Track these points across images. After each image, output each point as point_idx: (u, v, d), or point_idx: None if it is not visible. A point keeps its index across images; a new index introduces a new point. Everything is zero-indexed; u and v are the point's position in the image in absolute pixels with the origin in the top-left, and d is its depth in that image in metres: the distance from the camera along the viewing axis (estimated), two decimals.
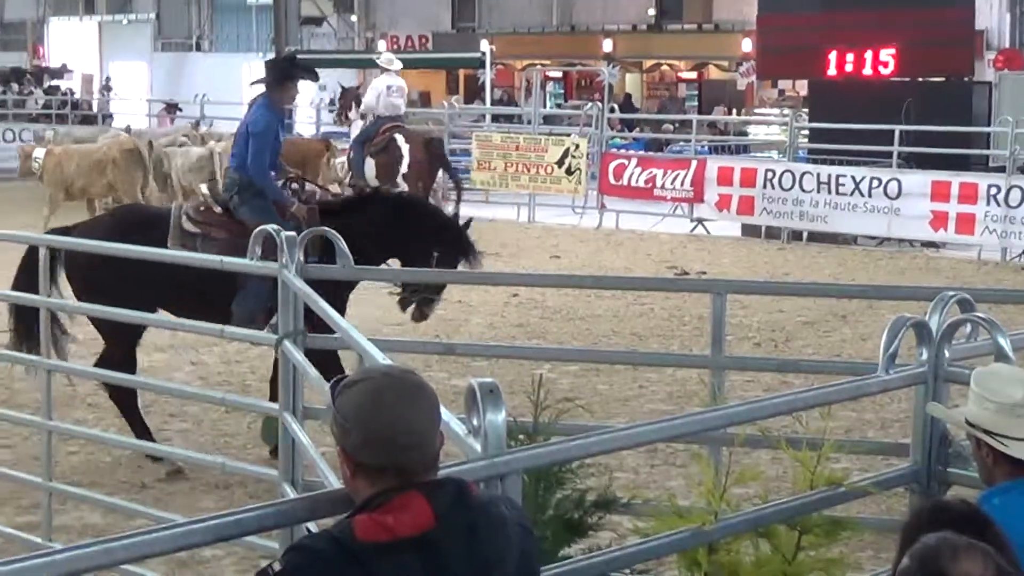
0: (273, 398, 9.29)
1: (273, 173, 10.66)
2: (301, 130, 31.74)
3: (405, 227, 10.21)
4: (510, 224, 24.88)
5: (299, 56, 28.98)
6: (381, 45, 46.67)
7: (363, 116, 23.38)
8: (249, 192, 10.38)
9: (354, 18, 48.91)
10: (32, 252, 9.63)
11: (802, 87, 32.66)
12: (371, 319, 14.82)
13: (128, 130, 29.59)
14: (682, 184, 23.98)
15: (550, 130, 27.23)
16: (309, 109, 34.37)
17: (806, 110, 26.94)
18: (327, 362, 9.60)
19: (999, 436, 4.29)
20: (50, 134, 27.97)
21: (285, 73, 10.76)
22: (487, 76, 34.20)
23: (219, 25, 52.57)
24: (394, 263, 10.26)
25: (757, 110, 39.23)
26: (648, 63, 44.95)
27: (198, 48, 51.73)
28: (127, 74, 49.59)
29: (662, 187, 24.29)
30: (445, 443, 3.40)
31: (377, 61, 24.42)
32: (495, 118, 31.40)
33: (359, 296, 16.03)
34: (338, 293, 9.38)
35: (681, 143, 28.67)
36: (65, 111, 37.58)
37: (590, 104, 28.44)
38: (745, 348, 13.76)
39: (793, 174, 22.70)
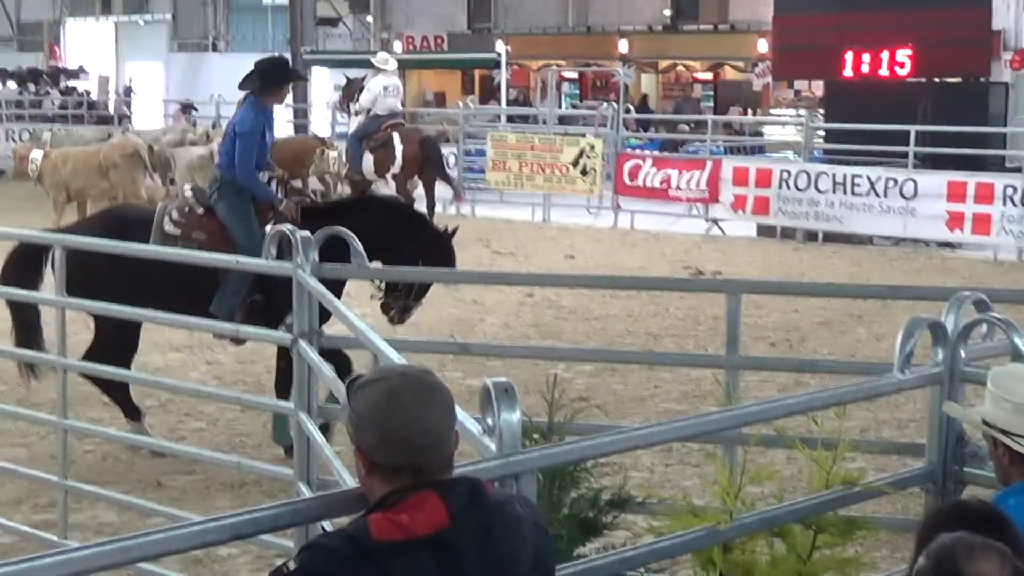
0: (280, 397, 9.37)
1: (261, 173, 10.71)
2: (317, 130, 31.75)
3: (393, 233, 10.21)
4: (525, 224, 24.89)
5: (315, 56, 29.12)
6: (397, 46, 46.70)
7: (357, 114, 23.54)
8: (229, 190, 10.43)
9: (370, 19, 48.92)
10: (19, 250, 9.75)
11: (818, 88, 32.59)
12: (386, 319, 14.84)
13: (126, 130, 29.64)
14: (697, 184, 23.97)
15: (565, 130, 27.20)
16: (325, 109, 34.41)
17: (822, 111, 26.90)
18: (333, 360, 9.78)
19: (1016, 436, 4.29)
20: (47, 136, 27.89)
21: (282, 76, 10.77)
22: (502, 76, 34.22)
23: (235, 26, 52.62)
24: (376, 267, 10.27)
25: (773, 111, 39.18)
26: (663, 64, 44.88)
27: (214, 49, 51.77)
28: (143, 75, 49.66)
29: (677, 187, 24.28)
30: (460, 442, 3.41)
31: (372, 61, 24.54)
32: (510, 118, 31.40)
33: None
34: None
35: (696, 143, 28.65)
36: (81, 112, 37.67)
37: (605, 104, 28.45)
38: (760, 348, 13.74)
39: (809, 174, 22.68)
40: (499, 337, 14.54)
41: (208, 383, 11.97)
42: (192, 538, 3.36)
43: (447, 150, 27.73)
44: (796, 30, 25.36)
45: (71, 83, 45.17)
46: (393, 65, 24.11)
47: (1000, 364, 4.79)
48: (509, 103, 36.10)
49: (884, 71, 24.12)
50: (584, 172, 25.00)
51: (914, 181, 21.46)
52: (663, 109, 40.82)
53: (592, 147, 25.13)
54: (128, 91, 45.80)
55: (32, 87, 42.54)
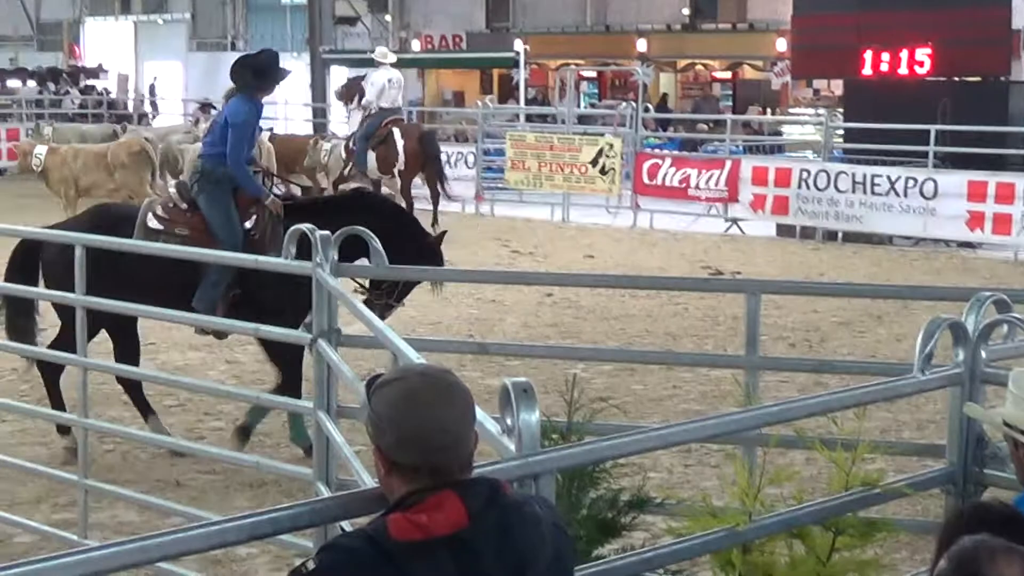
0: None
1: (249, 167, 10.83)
2: (336, 130, 31.81)
3: (378, 232, 10.21)
4: (544, 224, 24.90)
5: (333, 55, 29.20)
6: (415, 45, 46.76)
7: (365, 109, 23.73)
8: (209, 181, 10.46)
9: (388, 18, 48.97)
10: (19, 247, 9.97)
11: (837, 87, 32.53)
12: (405, 319, 14.85)
13: (125, 128, 29.67)
14: (716, 184, 23.96)
15: (584, 130, 27.21)
16: (344, 109, 34.43)
17: (841, 110, 26.84)
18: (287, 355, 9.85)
19: None
20: (48, 131, 27.91)
21: (274, 72, 10.85)
22: (521, 76, 34.21)
23: (253, 25, 52.69)
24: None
25: (792, 110, 39.13)
26: (682, 63, 44.86)
27: (233, 48, 51.81)
28: (162, 74, 49.78)
29: (696, 187, 24.28)
30: (479, 442, 3.40)
31: (372, 56, 24.83)
32: (529, 118, 31.43)
33: None
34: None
35: (715, 143, 28.62)
36: (101, 111, 37.77)
37: (624, 104, 28.44)
38: (780, 348, 13.72)
39: (828, 174, 22.64)
40: (518, 337, 14.54)
41: (227, 382, 11.99)
42: (211, 538, 3.36)
43: (466, 149, 27.81)
44: (815, 29, 25.31)
45: (90, 82, 45.28)
46: (392, 59, 24.58)
47: (1021, 365, 4.77)
48: (528, 102, 36.11)
49: (904, 70, 24.05)
50: (603, 172, 25.00)
51: (934, 181, 21.42)
52: (682, 108, 40.79)
53: (611, 146, 25.12)
54: (152, 90, 45.93)
55: (52, 86, 42.66)
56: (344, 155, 23.99)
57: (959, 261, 20.82)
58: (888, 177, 21.93)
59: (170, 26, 53.68)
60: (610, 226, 24.62)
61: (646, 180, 24.96)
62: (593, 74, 44.86)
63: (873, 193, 22.01)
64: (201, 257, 9.20)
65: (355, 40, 47.39)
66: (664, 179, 24.79)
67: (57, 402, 10.30)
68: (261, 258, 8.30)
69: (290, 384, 9.89)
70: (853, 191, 22.22)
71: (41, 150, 23.30)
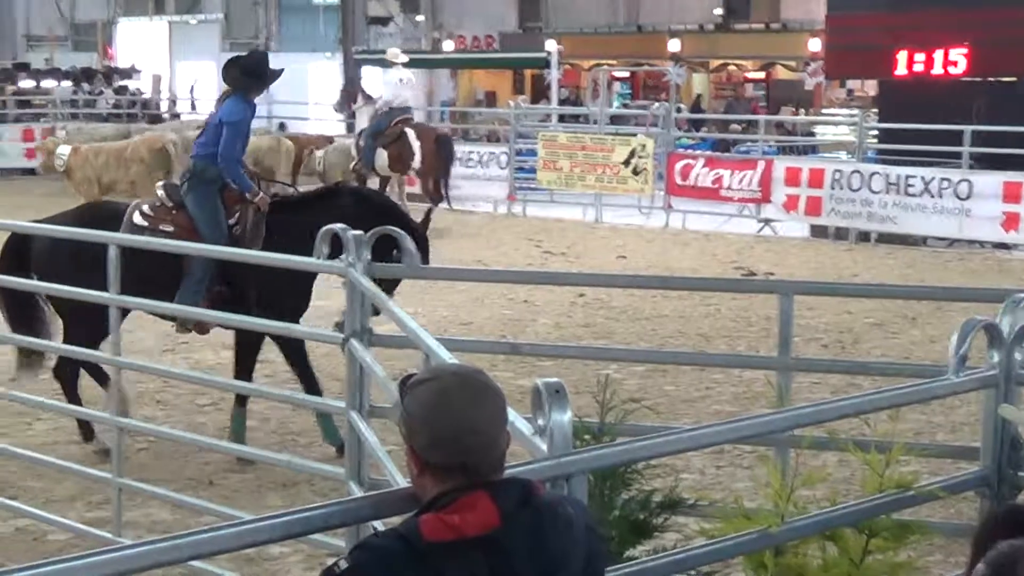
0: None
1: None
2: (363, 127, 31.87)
3: (361, 222, 10.27)
4: (576, 224, 24.88)
5: (366, 56, 29.30)
6: (448, 45, 46.79)
7: (377, 109, 24.03)
8: (200, 180, 10.58)
9: (420, 18, 49.01)
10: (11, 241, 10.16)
11: (871, 87, 32.43)
12: (438, 319, 14.87)
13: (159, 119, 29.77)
14: (749, 184, 23.90)
15: (616, 130, 27.17)
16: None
17: (875, 110, 26.74)
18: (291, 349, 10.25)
19: None
20: (61, 133, 27.97)
21: (266, 73, 11.01)
22: (553, 76, 34.18)
23: (286, 25, 52.78)
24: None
25: (825, 110, 39.01)
26: (715, 63, 44.80)
27: (265, 48, 51.98)
28: (195, 74, 49.89)
29: (729, 187, 24.22)
30: (511, 443, 3.40)
31: (384, 56, 25.20)
32: (561, 118, 31.38)
33: (425, 295, 16.13)
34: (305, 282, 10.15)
35: (748, 143, 28.56)
36: (135, 111, 37.91)
37: (657, 104, 28.40)
38: (812, 350, 13.68)
39: (862, 175, 22.56)
40: (550, 337, 14.54)
41: (259, 381, 12.01)
42: (243, 536, 3.37)
43: (498, 149, 27.83)
44: (849, 29, 25.22)
45: (124, 82, 45.40)
46: (404, 59, 24.93)
47: None
48: (560, 103, 36.05)
49: (938, 70, 23.93)
50: (635, 172, 24.97)
51: (969, 181, 21.31)
52: (714, 109, 40.72)
53: (643, 147, 25.09)
54: (192, 89, 46.03)
55: (86, 86, 42.79)
56: (355, 152, 24.23)
57: (994, 262, 20.72)
58: (922, 178, 21.84)
59: (203, 26, 53.81)
60: (642, 226, 24.59)
61: (679, 180, 24.92)
62: (626, 74, 44.82)
63: (907, 194, 21.93)
64: (252, 258, 9.23)
65: (387, 40, 47.37)
66: (697, 179, 24.74)
67: (75, 401, 10.43)
68: (293, 257, 8.31)
69: (305, 378, 10.35)
70: (887, 192, 22.14)
71: (64, 149, 23.36)
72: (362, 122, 24.23)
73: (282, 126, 29.69)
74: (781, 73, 43.44)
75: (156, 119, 36.03)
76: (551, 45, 36.25)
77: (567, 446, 3.61)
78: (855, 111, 29.72)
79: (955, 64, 23.76)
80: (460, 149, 27.85)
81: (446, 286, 16.68)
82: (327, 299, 10.72)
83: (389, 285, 10.29)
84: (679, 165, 24.96)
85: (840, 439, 5.64)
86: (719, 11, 42.72)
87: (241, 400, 10.44)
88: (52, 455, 9.50)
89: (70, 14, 58.49)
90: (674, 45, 42.53)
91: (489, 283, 16.92)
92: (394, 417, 3.43)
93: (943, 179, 21.61)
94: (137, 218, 10.40)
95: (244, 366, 10.44)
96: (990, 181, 21.19)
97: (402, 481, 4.50)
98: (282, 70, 11.42)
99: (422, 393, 3.32)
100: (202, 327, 10.57)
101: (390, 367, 6.47)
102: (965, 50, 23.59)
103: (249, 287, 10.05)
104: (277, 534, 3.42)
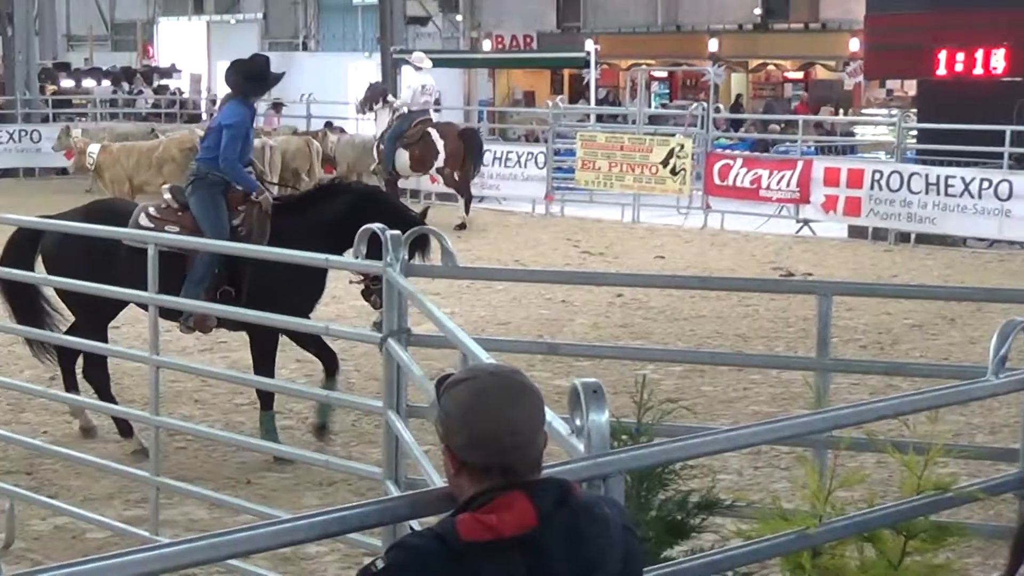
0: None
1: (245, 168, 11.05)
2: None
3: (364, 219, 10.36)
4: (614, 224, 24.86)
5: (404, 55, 29.41)
6: (486, 45, 46.81)
7: (395, 111, 24.26)
8: (201, 182, 10.72)
9: (459, 18, 49.06)
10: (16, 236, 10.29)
11: (911, 87, 32.28)
12: (475, 319, 14.89)
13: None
14: (788, 185, 23.82)
15: (655, 130, 27.13)
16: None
17: (914, 110, 26.62)
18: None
19: None
20: (76, 132, 28.13)
21: (266, 77, 11.26)
22: (592, 76, 34.16)
23: (325, 25, 52.94)
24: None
25: (865, 110, 38.85)
26: (754, 63, 44.68)
27: (304, 48, 52.11)
28: None
29: (768, 188, 24.15)
30: (548, 443, 3.40)
31: (408, 60, 25.39)
32: (600, 118, 31.36)
33: (463, 295, 16.15)
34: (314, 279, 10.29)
35: (787, 144, 28.48)
36: (174, 110, 38.09)
37: (695, 104, 28.35)
38: (851, 351, 13.63)
39: (901, 175, 22.46)
40: (588, 337, 14.53)
41: (297, 381, 12.05)
42: (280, 536, 3.38)
43: (536, 149, 27.84)
44: (889, 29, 25.10)
45: (164, 82, 45.62)
46: (428, 64, 25.04)
47: None
48: (598, 102, 36.03)
49: (978, 70, 23.78)
50: (674, 172, 24.92)
51: (1009, 182, 21.19)
52: (753, 109, 40.62)
53: (682, 147, 25.04)
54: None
55: (126, 86, 43.01)
56: (375, 155, 24.43)
57: None
58: (962, 178, 21.73)
59: (242, 26, 53.97)
60: (680, 227, 24.55)
61: (717, 181, 24.85)
62: (664, 74, 44.75)
63: (947, 194, 21.82)
64: (288, 258, 9.26)
65: (426, 40, 47.49)
66: (735, 180, 24.67)
67: (72, 386, 10.64)
68: (332, 257, 8.34)
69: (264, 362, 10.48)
70: (926, 192, 22.03)
71: (94, 148, 23.44)
72: (380, 125, 24.41)
73: (329, 125, 29.69)
74: (820, 73, 43.29)
75: (195, 119, 36.16)
76: (589, 45, 36.24)
77: (604, 446, 3.61)
78: (894, 111, 29.62)
79: (996, 64, 23.62)
80: (498, 148, 27.93)
81: (484, 286, 16.69)
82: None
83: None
84: (718, 165, 24.91)
85: (878, 440, 5.62)
86: (758, 11, 42.59)
87: (266, 404, 10.46)
88: (91, 453, 9.56)
89: (110, 14, 58.84)
90: (713, 45, 42.43)
91: (527, 283, 16.92)
92: (431, 417, 3.43)
93: (983, 179, 21.49)
94: (143, 219, 10.52)
95: (264, 366, 10.48)
96: None
97: (439, 481, 4.50)
98: (282, 74, 11.63)
99: (459, 393, 3.32)
100: (203, 326, 10.62)
101: (428, 367, 6.48)
102: (1005, 50, 23.44)
103: (251, 287, 10.17)
104: (314, 533, 3.43)
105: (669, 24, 44.87)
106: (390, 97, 24.80)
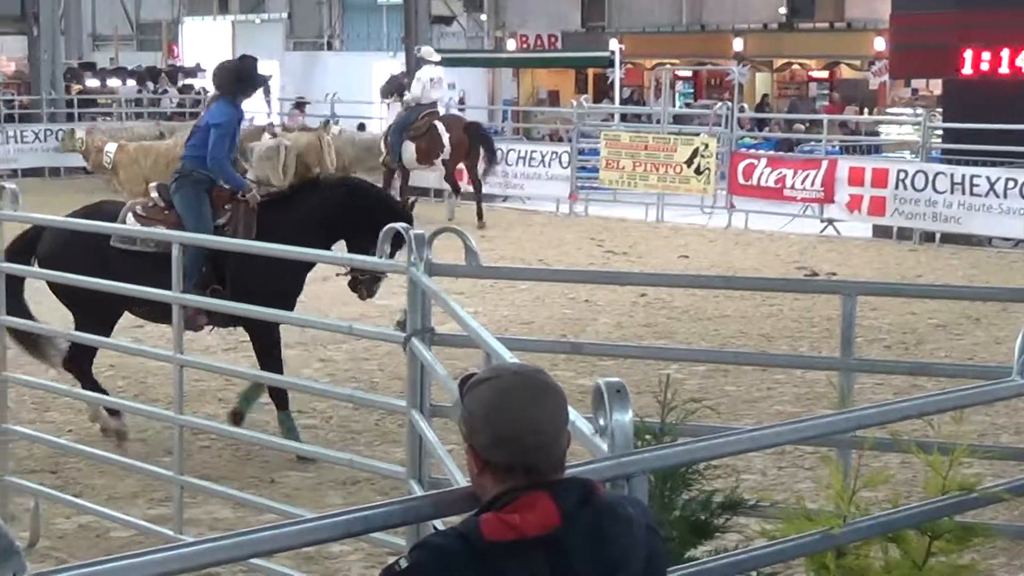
0: None
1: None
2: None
3: (352, 212, 10.52)
4: (638, 224, 24.84)
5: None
6: (510, 44, 46.83)
7: (405, 105, 24.68)
8: (185, 180, 10.79)
9: (484, 17, 49.09)
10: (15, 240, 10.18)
11: (936, 86, 32.18)
12: (498, 318, 14.89)
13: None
14: (812, 184, 23.76)
15: (679, 129, 27.09)
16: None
17: (940, 110, 26.53)
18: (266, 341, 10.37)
19: None
20: (80, 132, 28.09)
21: (254, 78, 11.38)
22: (616, 75, 34.14)
23: (349, 24, 53.03)
24: (340, 247, 10.40)
25: (890, 109, 38.74)
26: (779, 62, 44.60)
27: (329, 47, 52.20)
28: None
29: (792, 187, 24.09)
30: (571, 442, 3.40)
31: (417, 54, 25.65)
32: (624, 117, 31.33)
33: (487, 294, 16.16)
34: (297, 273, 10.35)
35: (812, 143, 28.42)
36: (198, 109, 38.17)
37: (720, 103, 28.31)
38: (875, 350, 13.60)
39: (926, 175, 22.39)
40: (611, 337, 14.52)
41: (321, 380, 12.07)
42: (304, 535, 3.38)
43: (560, 148, 27.84)
44: (914, 28, 25.00)
45: (189, 81, 45.71)
46: (436, 57, 25.51)
47: None
48: (623, 102, 36.01)
49: (1004, 69, 23.66)
50: (698, 171, 24.89)
51: None
52: (778, 108, 40.55)
53: (706, 146, 25.00)
54: (267, 89, 46.25)
55: (151, 85, 43.11)
56: (383, 147, 24.60)
57: None
58: (988, 178, 21.65)
59: (267, 25, 54.04)
60: (705, 226, 24.52)
61: (741, 180, 24.80)
62: (688, 74, 44.71)
63: (972, 194, 21.74)
64: (308, 256, 9.27)
65: (451, 40, 47.56)
66: (759, 179, 24.62)
67: (94, 387, 10.59)
68: (356, 256, 8.35)
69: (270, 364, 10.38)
70: (952, 192, 21.96)
71: (111, 147, 23.48)
72: (391, 117, 24.63)
73: (361, 127, 29.76)
74: (845, 72, 43.20)
75: None
76: (614, 44, 36.24)
77: (628, 446, 3.60)
78: (919, 110, 29.52)
79: (1021, 63, 23.52)
80: (522, 148, 27.94)
81: (507, 285, 16.69)
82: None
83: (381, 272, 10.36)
84: (742, 165, 24.86)
85: (903, 440, 5.60)
86: (783, 10, 42.52)
87: (282, 404, 10.47)
88: (115, 452, 9.59)
89: (135, 13, 59.01)
90: (738, 44, 42.37)
91: (550, 282, 16.92)
92: (455, 416, 3.43)
93: (1009, 179, 21.41)
94: (130, 219, 10.59)
95: (270, 364, 10.43)
96: None
97: (462, 480, 4.50)
98: (270, 76, 11.71)
99: (483, 392, 3.31)
100: (194, 324, 10.63)
101: (451, 366, 6.47)
102: None
103: (238, 285, 10.22)
104: (338, 532, 3.43)
105: (694, 24, 44.83)
106: (405, 93, 25.04)
